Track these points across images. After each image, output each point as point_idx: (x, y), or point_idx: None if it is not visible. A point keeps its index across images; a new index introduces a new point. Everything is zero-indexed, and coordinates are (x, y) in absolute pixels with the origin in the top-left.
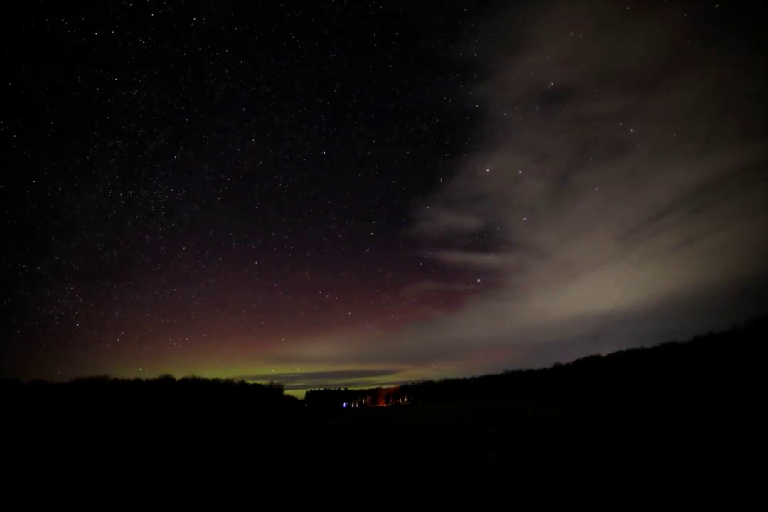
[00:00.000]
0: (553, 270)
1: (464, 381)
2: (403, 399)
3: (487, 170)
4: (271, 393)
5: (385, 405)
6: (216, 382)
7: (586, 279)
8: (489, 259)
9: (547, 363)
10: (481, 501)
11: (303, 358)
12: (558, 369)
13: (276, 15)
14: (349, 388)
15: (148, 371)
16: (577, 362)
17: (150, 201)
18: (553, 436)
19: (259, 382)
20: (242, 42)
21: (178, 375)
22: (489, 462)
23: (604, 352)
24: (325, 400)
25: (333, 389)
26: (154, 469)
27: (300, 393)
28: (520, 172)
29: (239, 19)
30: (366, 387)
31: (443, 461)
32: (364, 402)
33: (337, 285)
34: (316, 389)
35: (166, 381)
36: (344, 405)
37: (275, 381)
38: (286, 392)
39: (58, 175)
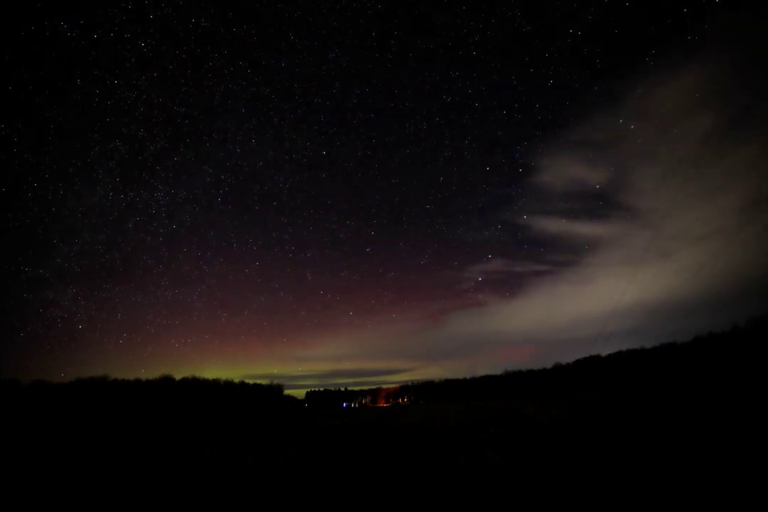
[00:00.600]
0: (650, 244)
1: (464, 381)
2: (403, 399)
3: (641, 102)
4: (271, 393)
5: (385, 405)
6: (216, 382)
7: (675, 260)
8: (585, 229)
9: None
10: (481, 500)
11: (306, 358)
12: (558, 369)
13: (274, 15)
14: (350, 388)
15: (150, 372)
16: (577, 362)
17: (151, 203)
18: (553, 436)
19: (259, 382)
20: (241, 43)
21: (180, 376)
22: (489, 462)
23: (604, 352)
24: (325, 400)
25: (333, 389)
26: (155, 469)
27: (300, 393)
28: (688, 103)
29: (238, 20)
30: (366, 387)
31: (443, 461)
32: (364, 402)
33: (339, 285)
34: (317, 389)
35: (166, 381)
36: (344, 405)
37: (275, 381)
38: (288, 392)
39: (59, 177)
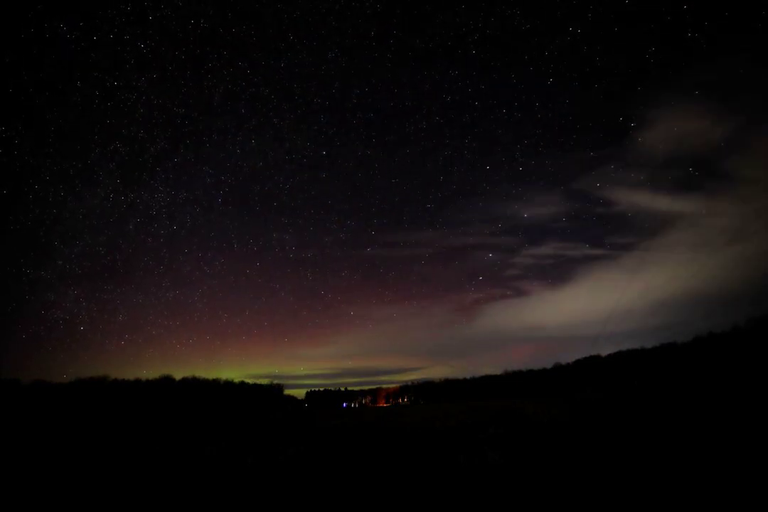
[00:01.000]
0: (729, 225)
1: (464, 381)
2: (403, 399)
3: None
4: (271, 393)
5: (385, 405)
6: (216, 382)
7: (747, 246)
8: (667, 203)
9: None
10: (481, 500)
11: (308, 358)
12: (558, 369)
13: (274, 15)
14: (350, 388)
15: (151, 373)
16: (577, 362)
17: (151, 204)
18: (553, 436)
19: (259, 382)
20: (240, 43)
21: (180, 376)
22: (489, 462)
23: (604, 352)
24: (325, 400)
25: (333, 389)
26: (155, 469)
27: (302, 393)
28: None
29: (237, 21)
30: (366, 387)
31: (443, 461)
32: (364, 402)
33: (340, 285)
34: (318, 389)
35: (166, 381)
36: (344, 405)
37: (275, 381)
38: (289, 392)
39: (59, 179)
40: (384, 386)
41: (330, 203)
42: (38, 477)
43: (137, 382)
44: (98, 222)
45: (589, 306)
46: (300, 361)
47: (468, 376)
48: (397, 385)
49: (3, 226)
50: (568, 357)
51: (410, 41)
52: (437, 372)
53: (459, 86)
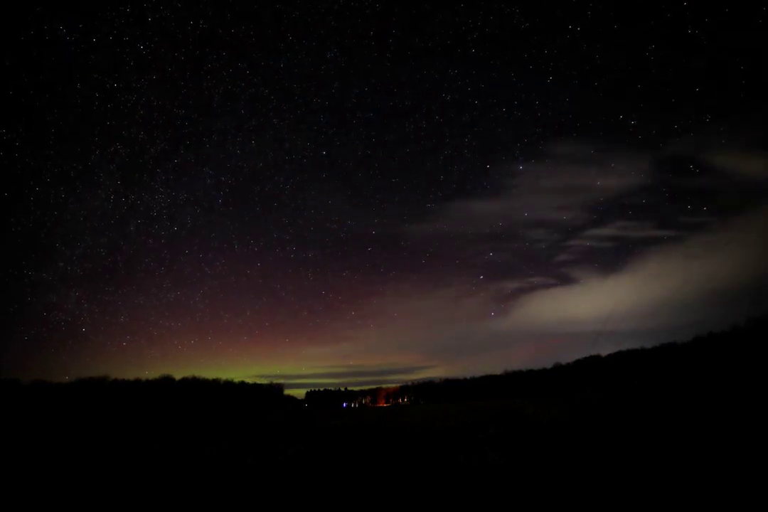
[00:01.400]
0: None
1: (464, 381)
2: (403, 399)
3: None
4: (271, 393)
5: (385, 405)
6: (216, 382)
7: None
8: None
9: None
10: (481, 500)
11: (309, 358)
12: (558, 369)
13: (272, 16)
14: (350, 388)
15: (152, 374)
16: (577, 362)
17: (152, 205)
18: (553, 436)
19: (259, 382)
20: (240, 44)
21: (180, 376)
22: (489, 462)
23: (604, 352)
24: (325, 400)
25: (333, 389)
26: (155, 469)
27: (301, 393)
28: None
29: (236, 21)
30: (366, 387)
31: (443, 461)
32: (364, 402)
33: (341, 285)
34: (318, 389)
35: (166, 381)
36: (344, 405)
37: (275, 381)
38: (288, 392)
39: (60, 181)
40: (384, 386)
41: (330, 203)
42: (39, 477)
43: (137, 382)
44: (99, 223)
45: (640, 297)
46: (301, 361)
47: (468, 376)
48: (397, 385)
49: (4, 227)
50: (568, 357)
51: (409, 40)
52: (439, 372)
53: (458, 85)
